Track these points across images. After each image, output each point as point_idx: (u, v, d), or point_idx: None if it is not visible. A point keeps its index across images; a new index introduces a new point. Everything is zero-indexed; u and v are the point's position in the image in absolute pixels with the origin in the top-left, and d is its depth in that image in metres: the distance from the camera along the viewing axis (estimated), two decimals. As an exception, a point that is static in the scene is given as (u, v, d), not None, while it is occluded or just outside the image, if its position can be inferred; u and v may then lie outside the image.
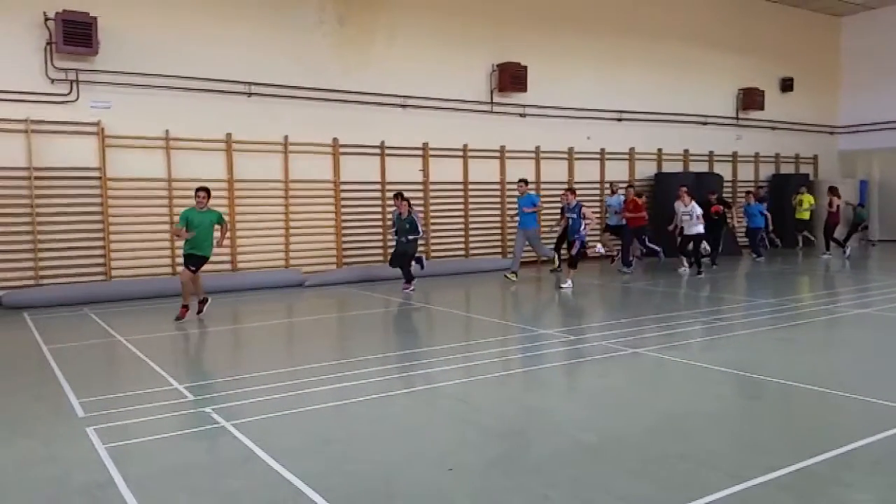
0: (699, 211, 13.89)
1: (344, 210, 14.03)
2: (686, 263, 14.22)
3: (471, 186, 15.53)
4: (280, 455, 4.30)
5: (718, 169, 19.58)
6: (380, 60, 14.28)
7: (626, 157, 18.05)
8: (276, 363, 7.26)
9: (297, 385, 6.10)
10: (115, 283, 11.64)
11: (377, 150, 14.43)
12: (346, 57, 13.92)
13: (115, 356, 7.67)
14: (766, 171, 20.99)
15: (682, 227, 14.12)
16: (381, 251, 14.52)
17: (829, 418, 5.07)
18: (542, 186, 16.56)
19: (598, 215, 13.40)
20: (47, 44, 11.13)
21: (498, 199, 15.94)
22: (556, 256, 14.43)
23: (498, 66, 15.63)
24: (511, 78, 15.53)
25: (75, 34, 10.98)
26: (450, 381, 6.21)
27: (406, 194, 14.74)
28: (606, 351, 7.31)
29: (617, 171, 17.77)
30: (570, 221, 12.34)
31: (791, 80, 21.04)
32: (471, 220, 15.59)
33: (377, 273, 13.76)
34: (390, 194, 14.60)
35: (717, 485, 3.77)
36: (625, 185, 15.75)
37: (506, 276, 13.33)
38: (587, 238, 12.55)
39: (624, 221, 14.70)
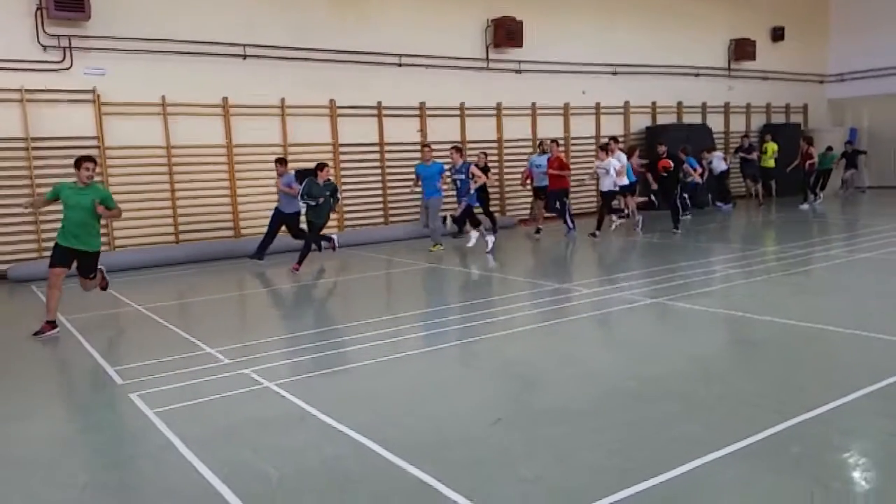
0: (616, 165, 12.89)
1: (343, 173, 13.95)
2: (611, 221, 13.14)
3: (469, 145, 15.45)
4: (331, 411, 4.38)
5: (711, 120, 19.60)
6: (375, 18, 14.03)
7: (621, 111, 18.02)
8: (298, 325, 7.35)
9: (326, 346, 6.16)
10: (118, 254, 11.58)
11: (374, 111, 14.29)
12: (342, 15, 13.67)
13: (136, 324, 7.66)
14: (758, 121, 21.04)
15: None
16: (381, 213, 14.50)
17: (858, 357, 5.20)
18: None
19: (482, 176, 12.07)
20: (38, 9, 10.82)
21: (496, 158, 15.87)
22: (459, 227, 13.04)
23: (493, 20, 15.42)
24: (506, 33, 15.33)
25: (67, -1, 10.67)
26: (477, 337, 6.30)
27: (404, 155, 14.78)
28: (624, 302, 7.43)
29: (612, 126, 17.74)
30: (458, 183, 11.95)
31: (782, 29, 20.97)
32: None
33: (379, 235, 13.82)
34: (389, 156, 14.55)
35: (765, 422, 3.90)
36: (551, 141, 13.74)
37: (430, 249, 12.01)
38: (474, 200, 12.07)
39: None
